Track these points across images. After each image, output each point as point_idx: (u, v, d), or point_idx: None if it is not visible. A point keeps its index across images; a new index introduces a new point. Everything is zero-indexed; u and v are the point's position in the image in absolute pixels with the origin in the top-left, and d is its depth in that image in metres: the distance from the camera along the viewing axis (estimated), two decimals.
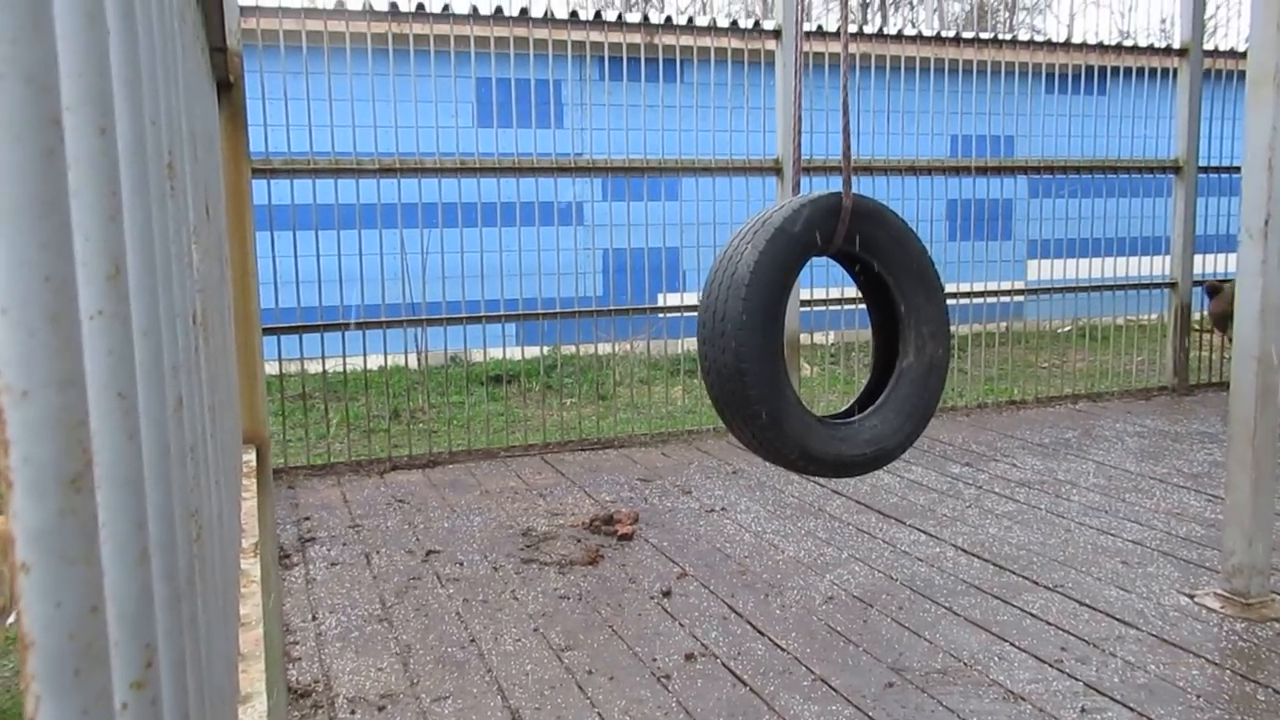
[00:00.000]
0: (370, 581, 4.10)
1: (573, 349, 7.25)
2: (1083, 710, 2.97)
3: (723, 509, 5.03)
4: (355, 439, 6.43)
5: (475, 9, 6.04)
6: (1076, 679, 3.17)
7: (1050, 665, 3.27)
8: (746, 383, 2.71)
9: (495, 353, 7.71)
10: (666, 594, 3.91)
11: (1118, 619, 3.62)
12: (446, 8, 5.99)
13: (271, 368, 6.27)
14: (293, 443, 6.25)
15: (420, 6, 5.93)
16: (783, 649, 3.42)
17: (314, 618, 3.74)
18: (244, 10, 5.36)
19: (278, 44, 5.66)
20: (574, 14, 6.32)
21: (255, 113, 5.26)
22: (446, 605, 3.84)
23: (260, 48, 5.45)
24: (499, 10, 6.10)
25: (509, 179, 6.25)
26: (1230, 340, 6.90)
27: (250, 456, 2.78)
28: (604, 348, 7.38)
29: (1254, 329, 3.64)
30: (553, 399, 7.58)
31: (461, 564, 4.28)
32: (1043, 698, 3.05)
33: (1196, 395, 7.86)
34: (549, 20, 6.21)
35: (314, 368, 6.67)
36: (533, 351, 7.95)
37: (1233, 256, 3.85)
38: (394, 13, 5.87)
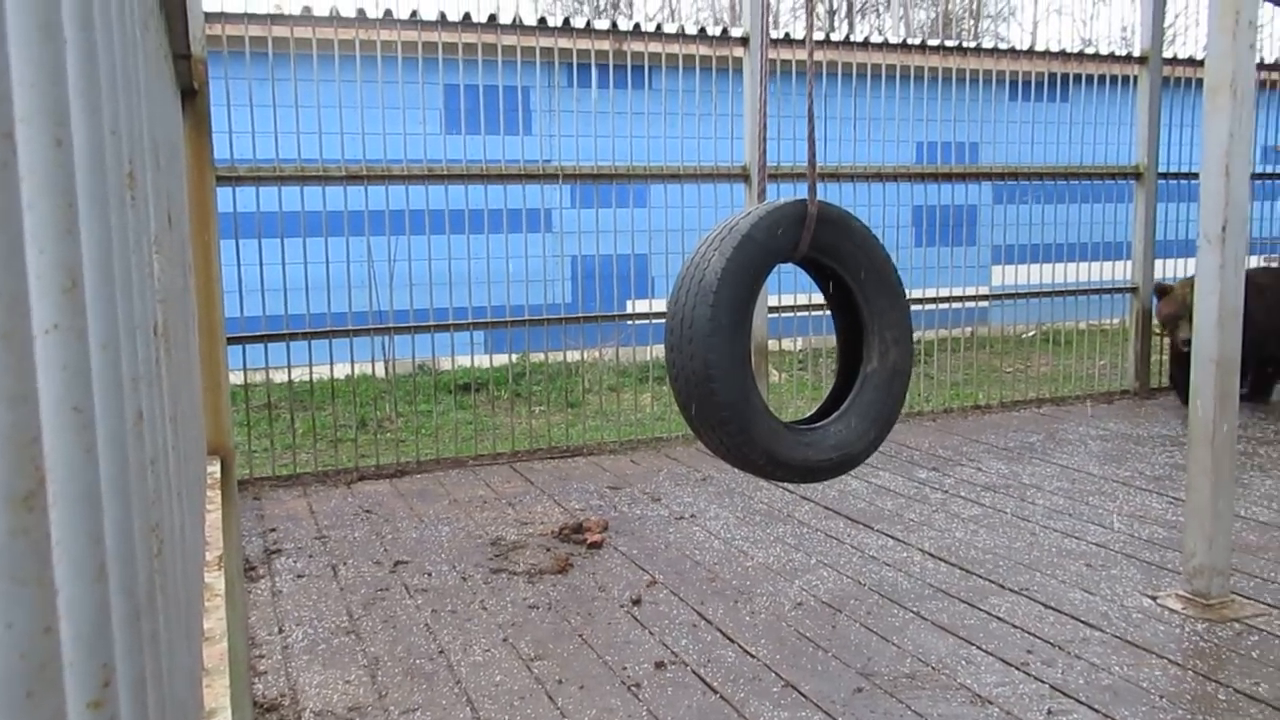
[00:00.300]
0: (337, 593, 4.06)
1: (541, 356, 7.23)
2: (1049, 712, 3.00)
3: (692, 516, 5.04)
4: (322, 449, 6.38)
5: (443, 15, 6.02)
6: (1043, 681, 3.20)
7: (1017, 668, 3.30)
8: (714, 389, 2.72)
9: (464, 361, 7.68)
10: (636, 602, 3.91)
11: (1082, 621, 3.66)
12: (414, 14, 5.97)
13: (237, 378, 6.22)
14: (258, 453, 6.18)
15: (388, 13, 5.91)
16: (752, 656, 3.43)
17: (280, 630, 3.70)
18: (209, 16, 5.32)
19: (243, 50, 5.61)
20: (542, 21, 6.32)
21: (220, 120, 5.21)
22: (415, 616, 3.81)
23: (226, 54, 5.41)
24: (467, 17, 6.09)
25: (477, 186, 6.23)
26: (1185, 343, 7.01)
27: (214, 468, 2.75)
28: (573, 355, 7.37)
29: (1213, 333, 3.70)
30: (522, 407, 7.55)
31: (430, 574, 4.26)
32: (1010, 700, 3.08)
33: (1158, 398, 7.97)
34: (517, 27, 6.20)
35: (280, 377, 6.61)
36: (501, 359, 7.92)
37: (1193, 261, 3.91)
38: (361, 19, 5.84)
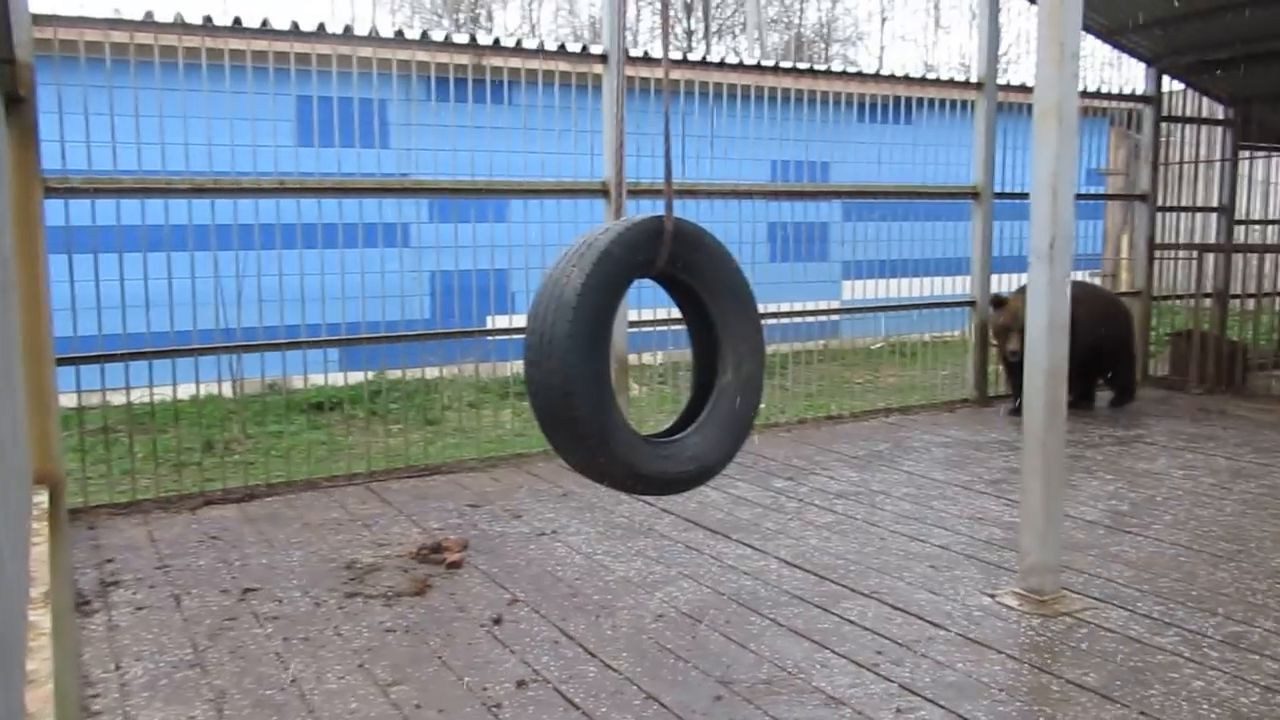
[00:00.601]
0: (180, 625, 3.87)
1: (399, 373, 7.09)
2: (898, 710, 3.12)
3: (553, 532, 5.03)
4: (164, 474, 6.08)
5: (296, 25, 5.85)
6: (892, 681, 3.32)
7: (868, 669, 3.41)
8: (574, 404, 2.73)
9: (316, 379, 7.45)
10: (497, 621, 3.87)
11: (928, 621, 3.82)
12: (265, 23, 5.78)
13: (70, 400, 5.87)
14: (94, 480, 5.84)
15: (237, 21, 5.70)
16: (614, 670, 3.44)
17: (117, 667, 3.50)
18: (39, 19, 5.02)
19: (78, 56, 5.32)
20: (400, 33, 6.22)
21: (52, 128, 4.93)
22: (265, 645, 3.67)
23: (57, 59, 5.12)
24: (321, 27, 5.94)
25: (331, 200, 6.07)
26: (1013, 354, 7.43)
27: (42, 498, 2.59)
28: (431, 371, 7.26)
29: (1043, 344, 3.93)
30: (378, 426, 7.38)
31: (281, 601, 4.11)
32: (861, 701, 3.18)
33: (995, 406, 8.40)
34: (374, 39, 6.08)
35: (119, 399, 6.27)
36: (356, 377, 7.72)
37: (1025, 276, 4.15)
38: (208, 26, 5.62)
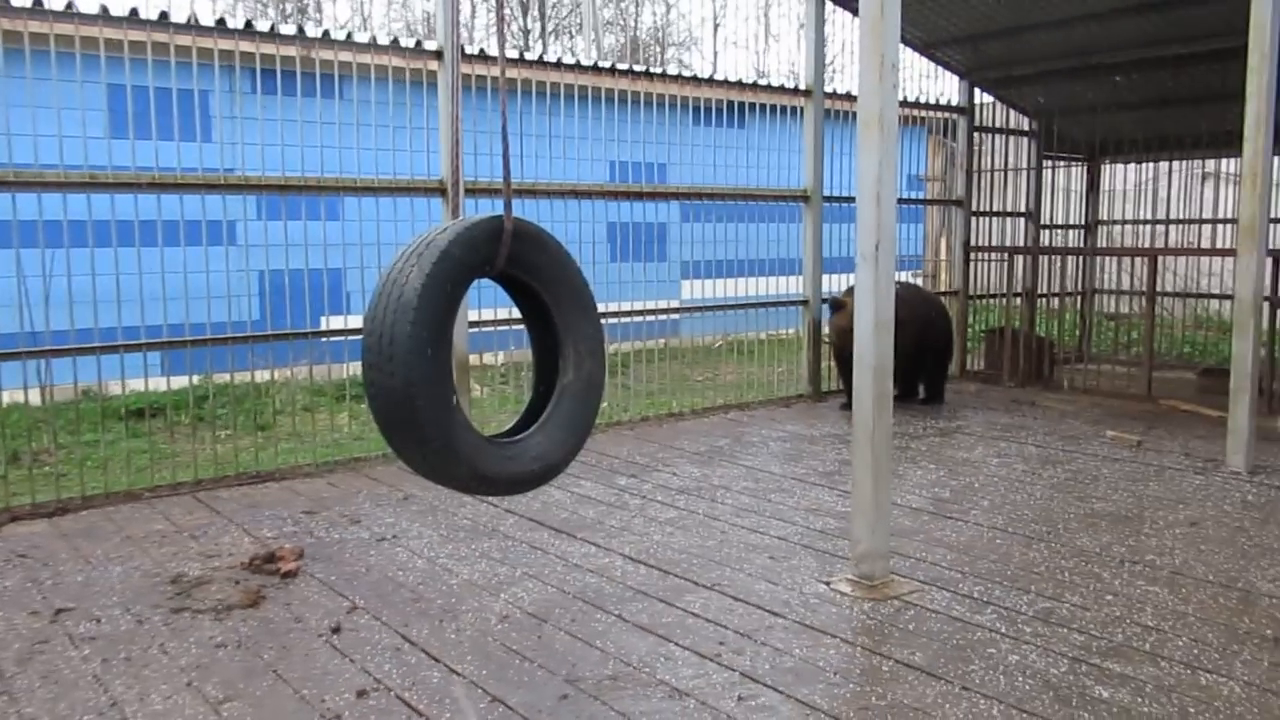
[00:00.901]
0: None
1: (227, 377, 6.77)
2: (739, 699, 3.21)
3: (394, 537, 4.92)
4: None
5: (105, 9, 5.51)
6: (733, 670, 3.41)
7: (710, 660, 3.49)
8: (417, 406, 2.68)
9: (137, 384, 7.03)
10: (336, 630, 3.76)
11: (767, 610, 3.94)
12: (70, 5, 5.41)
13: None
14: None
15: (38, 3, 5.32)
16: (459, 674, 3.40)
17: None
18: None
19: None
20: (221, 21, 5.94)
21: None
22: (81, 669, 3.45)
23: None
24: (134, 12, 5.60)
25: (149, 195, 5.74)
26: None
27: None
28: (263, 375, 6.97)
29: (870, 342, 4.12)
30: (205, 432, 7.04)
31: (99, 620, 3.86)
32: (704, 691, 3.25)
33: (828, 401, 8.73)
34: (193, 27, 5.79)
35: None
36: (181, 381, 7.32)
37: (854, 277, 4.33)
38: (5, 8, 5.22)
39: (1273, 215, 7.97)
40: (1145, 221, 11.01)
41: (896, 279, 9.87)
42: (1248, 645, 3.58)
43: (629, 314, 8.16)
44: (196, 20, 5.80)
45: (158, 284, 5.90)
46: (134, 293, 5.76)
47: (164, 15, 5.71)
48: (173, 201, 5.92)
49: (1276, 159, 7.94)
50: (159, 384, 7.67)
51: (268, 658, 3.52)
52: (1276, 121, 6.00)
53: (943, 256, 11.12)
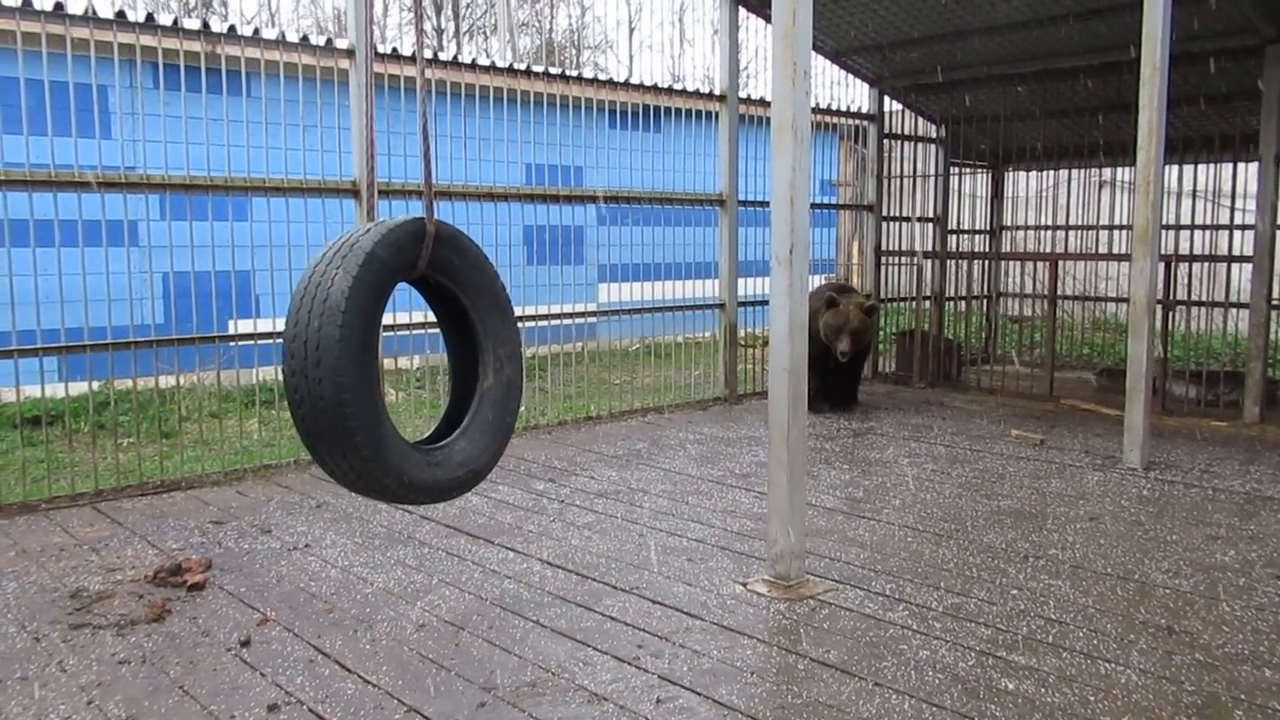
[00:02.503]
0: None
1: (130, 383, 6.54)
2: (658, 701, 3.22)
3: (306, 546, 4.81)
4: None
5: None
6: (651, 673, 3.42)
7: (629, 663, 3.50)
8: (346, 414, 2.61)
9: (31, 391, 6.74)
10: (245, 643, 3.66)
11: (685, 612, 3.97)
12: None
13: None
14: None
15: None
16: (373, 685, 3.34)
17: None
18: None
19: None
20: (121, 14, 5.74)
21: None
22: None
23: None
24: (27, 3, 5.38)
25: (43, 193, 5.52)
26: (843, 354, 7.82)
27: None
28: (167, 380, 6.75)
29: (784, 344, 4.17)
30: (106, 440, 6.79)
31: None
32: (623, 695, 3.25)
33: (744, 404, 8.83)
34: (90, 19, 5.59)
35: None
36: (80, 387, 7.05)
37: (768, 280, 4.38)
38: None
39: (1164, 222, 8.32)
40: (1046, 227, 11.41)
41: (826, 281, 9.95)
42: (1143, 634, 3.73)
43: (546, 317, 8.13)
44: (94, 12, 5.60)
45: (52, 286, 5.67)
46: (29, 295, 5.53)
47: (59, 6, 5.50)
48: (70, 200, 5.70)
49: (1168, 168, 8.30)
50: (56, 390, 7.37)
51: (173, 674, 3.41)
52: (1168, 132, 6.26)
53: (855, 260, 11.34)
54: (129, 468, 6.12)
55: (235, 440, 6.77)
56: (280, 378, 2.78)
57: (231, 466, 6.26)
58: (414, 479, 2.81)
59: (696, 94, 8.87)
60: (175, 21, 6.04)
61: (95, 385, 6.96)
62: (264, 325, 6.58)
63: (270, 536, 4.96)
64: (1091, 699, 3.21)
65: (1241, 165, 8.86)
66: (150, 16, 5.88)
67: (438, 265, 2.92)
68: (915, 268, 10.22)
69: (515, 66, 7.72)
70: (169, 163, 6.14)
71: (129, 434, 6.88)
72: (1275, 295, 8.20)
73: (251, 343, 6.48)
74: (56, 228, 5.56)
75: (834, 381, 8.39)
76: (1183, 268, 9.06)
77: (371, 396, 2.67)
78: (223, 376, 6.95)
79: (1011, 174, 11.68)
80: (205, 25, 6.11)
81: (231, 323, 7.41)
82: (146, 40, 5.84)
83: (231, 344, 6.54)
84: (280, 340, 2.74)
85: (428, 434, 3.12)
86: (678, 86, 8.86)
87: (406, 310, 6.52)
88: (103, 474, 5.96)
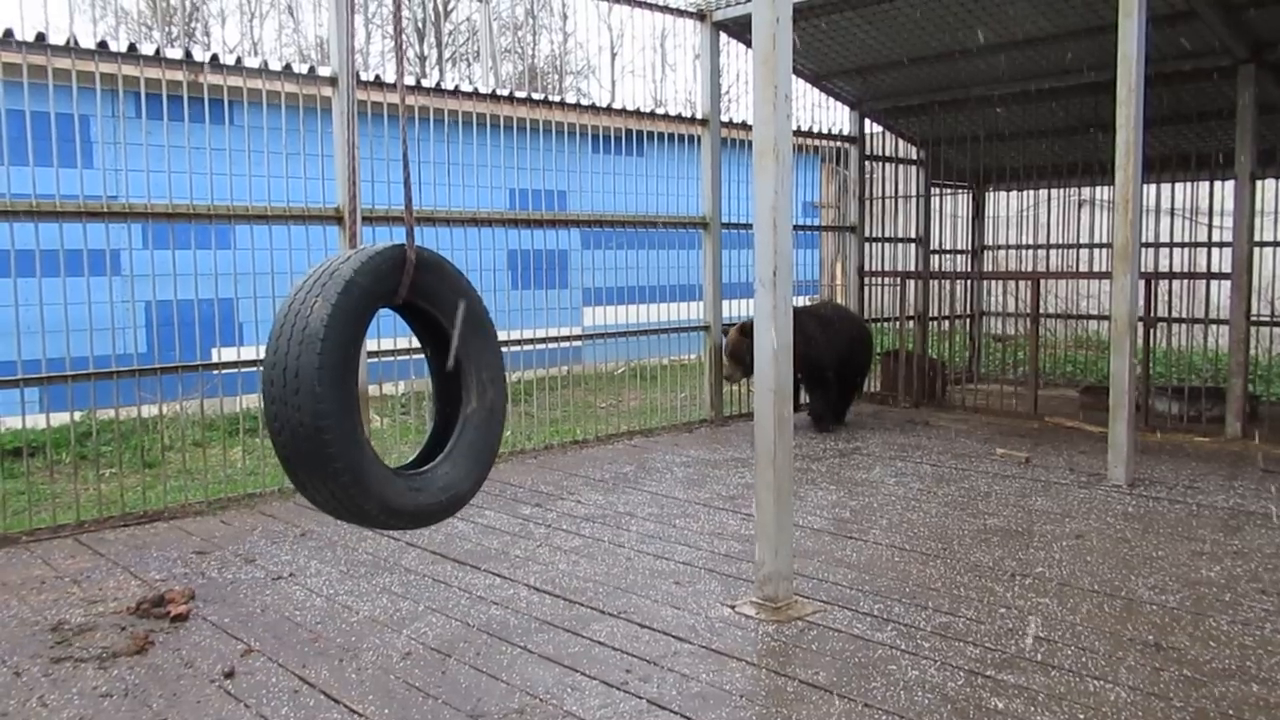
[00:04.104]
0: None
1: (112, 413, 6.50)
2: None
3: (291, 575, 4.77)
4: None
5: None
6: (640, 697, 3.40)
7: (617, 688, 3.47)
8: (326, 440, 2.60)
9: (12, 421, 6.69)
10: (229, 675, 3.62)
11: (673, 636, 3.95)
12: None
13: None
14: None
15: None
16: (359, 714, 3.31)
17: None
18: None
19: None
20: (103, 44, 5.75)
21: None
22: None
23: None
24: (8, 34, 5.38)
25: (25, 224, 5.50)
26: (727, 378, 7.93)
27: None
28: (150, 410, 6.70)
29: (769, 366, 4.18)
30: (88, 471, 6.74)
31: None
32: None
33: (730, 425, 8.83)
34: (72, 49, 5.59)
35: None
36: (62, 418, 7.00)
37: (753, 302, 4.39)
38: None
39: (1144, 240, 8.40)
40: (1028, 246, 11.48)
41: (826, 300, 10.05)
42: (1131, 651, 3.73)
43: (531, 342, 8.12)
44: (76, 43, 5.60)
45: (34, 316, 5.64)
46: (9, 325, 5.49)
47: (41, 37, 5.50)
48: (51, 230, 5.68)
49: (1147, 187, 8.38)
50: (38, 421, 7.32)
51: (156, 706, 3.37)
52: (1145, 151, 6.33)
53: (838, 281, 11.39)
54: (111, 498, 6.06)
55: (219, 469, 6.73)
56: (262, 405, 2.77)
57: (215, 495, 6.21)
58: (395, 504, 2.80)
59: (679, 118, 8.92)
60: (158, 51, 6.05)
61: (77, 415, 6.91)
62: (247, 353, 6.55)
63: (254, 566, 4.92)
64: (1081, 716, 3.20)
65: (1219, 183, 8.96)
66: (133, 46, 5.88)
67: (420, 291, 2.92)
68: (898, 288, 10.27)
69: (498, 92, 7.76)
70: (151, 191, 6.12)
71: (111, 464, 6.82)
72: (1254, 311, 8.27)
73: (235, 370, 6.45)
74: (38, 257, 5.53)
75: (830, 397, 8.44)
76: (1163, 285, 9.14)
77: (351, 423, 2.66)
78: (206, 405, 6.91)
79: (992, 194, 11.78)
80: (188, 54, 6.12)
81: (215, 351, 7.37)
82: (129, 70, 5.84)
83: (215, 372, 6.51)
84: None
85: (411, 459, 3.12)
86: (660, 111, 8.91)
87: (391, 336, 6.50)
88: (85, 505, 5.91)
